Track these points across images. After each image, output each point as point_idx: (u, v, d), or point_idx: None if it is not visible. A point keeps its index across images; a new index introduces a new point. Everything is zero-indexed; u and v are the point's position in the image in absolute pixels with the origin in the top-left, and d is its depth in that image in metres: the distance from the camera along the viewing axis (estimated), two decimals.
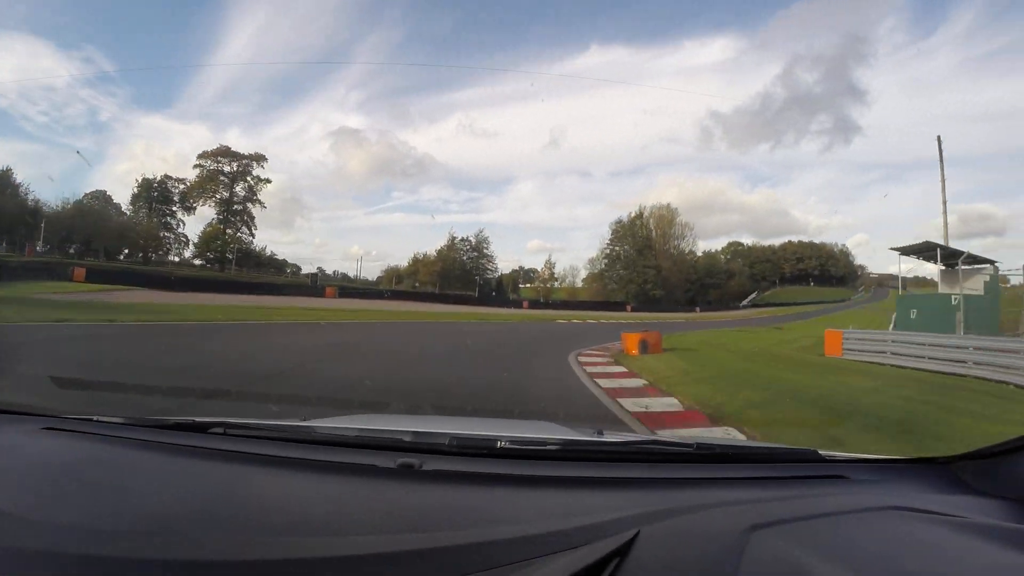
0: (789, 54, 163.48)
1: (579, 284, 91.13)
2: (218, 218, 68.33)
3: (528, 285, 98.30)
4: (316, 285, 56.62)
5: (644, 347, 13.78)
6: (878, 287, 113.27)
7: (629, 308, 68.43)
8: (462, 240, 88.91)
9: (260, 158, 68.77)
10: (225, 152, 67.22)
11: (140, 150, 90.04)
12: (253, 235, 71.37)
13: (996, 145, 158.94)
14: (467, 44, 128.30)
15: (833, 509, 1.10)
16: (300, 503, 1.13)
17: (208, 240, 67.73)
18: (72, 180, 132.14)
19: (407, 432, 1.47)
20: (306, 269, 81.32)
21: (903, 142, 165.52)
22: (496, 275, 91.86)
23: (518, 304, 62.48)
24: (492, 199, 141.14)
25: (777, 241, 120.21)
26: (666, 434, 2.18)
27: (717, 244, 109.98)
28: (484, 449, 1.40)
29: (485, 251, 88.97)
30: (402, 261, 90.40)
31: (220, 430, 1.51)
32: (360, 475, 1.25)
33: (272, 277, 65.05)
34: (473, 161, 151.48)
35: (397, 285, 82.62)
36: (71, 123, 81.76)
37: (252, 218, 70.42)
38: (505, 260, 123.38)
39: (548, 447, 1.43)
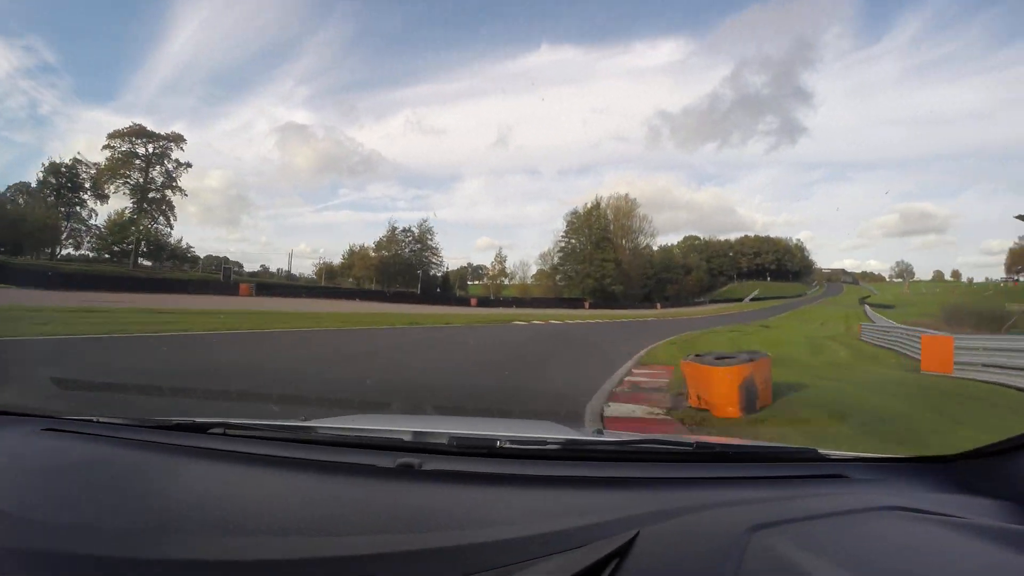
0: (738, 57, 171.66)
1: (530, 280, 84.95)
2: (133, 206, 58.45)
3: (477, 282, 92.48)
4: (229, 281, 47.62)
5: (749, 398, 5.68)
6: (828, 282, 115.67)
7: (587, 305, 62.60)
8: (404, 231, 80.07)
9: (178, 139, 58.85)
10: (139, 132, 56.88)
11: (82, 145, 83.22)
12: (171, 226, 61.38)
13: (937, 147, 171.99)
14: (417, 41, 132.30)
15: (833, 509, 1.10)
16: (300, 503, 1.13)
17: (114, 231, 57.55)
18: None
19: (407, 432, 1.47)
20: (249, 268, 73.46)
21: (847, 143, 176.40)
22: (442, 270, 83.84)
23: (465, 302, 55.76)
24: (440, 197, 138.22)
25: (725, 238, 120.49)
26: (666, 434, 1.81)
27: (665, 241, 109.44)
28: (484, 449, 1.39)
29: (429, 243, 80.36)
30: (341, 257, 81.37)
31: (220, 430, 1.51)
32: (360, 475, 1.24)
33: (180, 273, 55.14)
34: (421, 158, 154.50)
35: (330, 282, 73.53)
36: (11, 116, 72.37)
37: (172, 207, 60.49)
38: (453, 258, 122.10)
39: (548, 447, 1.42)
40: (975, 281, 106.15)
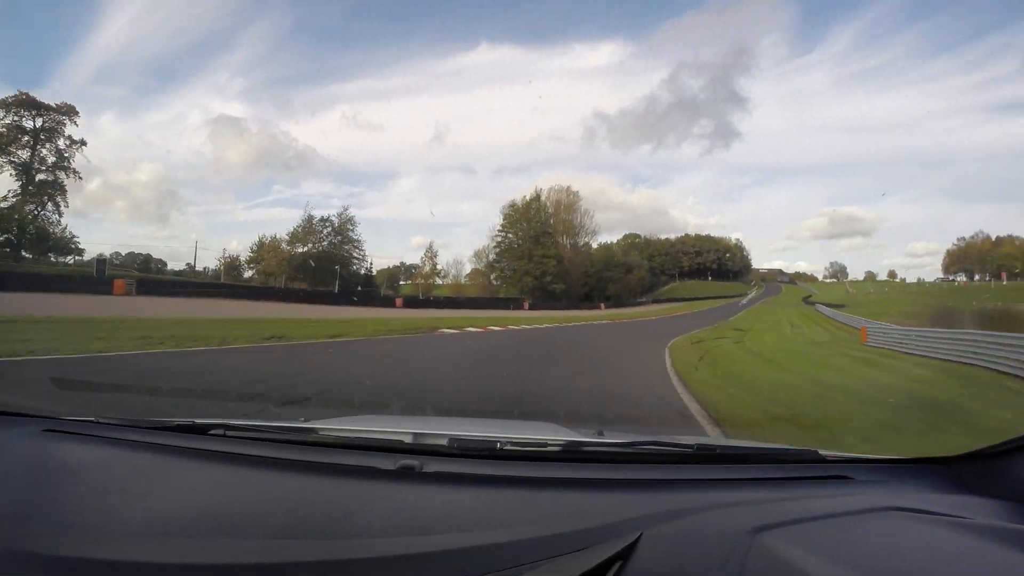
0: (676, 60, 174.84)
1: (464, 280, 78.05)
2: (19, 189, 46.59)
3: (410, 282, 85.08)
4: (102, 277, 37.49)
5: None
6: (765, 282, 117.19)
7: (527, 305, 56.56)
8: (322, 221, 70.51)
9: (71, 111, 47.35)
10: (25, 101, 45.22)
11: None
12: (61, 213, 49.57)
13: (865, 154, 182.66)
14: (355, 35, 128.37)
15: (835, 510, 1.10)
16: (300, 505, 1.11)
17: None
18: None
19: (407, 433, 1.47)
20: (173, 266, 64.84)
21: (779, 148, 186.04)
22: (366, 266, 74.99)
23: (390, 302, 48.04)
24: (374, 194, 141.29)
25: (665, 237, 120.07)
26: (668, 435, 1.61)
27: (601, 241, 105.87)
28: (485, 451, 1.39)
29: (351, 235, 71.29)
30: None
31: (220, 432, 1.50)
32: (360, 477, 1.24)
33: (46, 267, 43.70)
34: (356, 155, 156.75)
35: (232, 278, 63.42)
36: None
37: (64, 192, 48.91)
38: (386, 257, 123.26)
39: (549, 448, 1.43)
40: (907, 281, 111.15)
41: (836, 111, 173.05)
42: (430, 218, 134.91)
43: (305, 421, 1.66)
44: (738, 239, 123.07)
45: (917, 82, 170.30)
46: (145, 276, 47.80)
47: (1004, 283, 76.68)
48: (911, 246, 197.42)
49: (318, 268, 65.74)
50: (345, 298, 47.78)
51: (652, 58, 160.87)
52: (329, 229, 70.04)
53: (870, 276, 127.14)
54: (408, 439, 1.44)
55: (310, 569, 0.83)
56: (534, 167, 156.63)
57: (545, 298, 67.53)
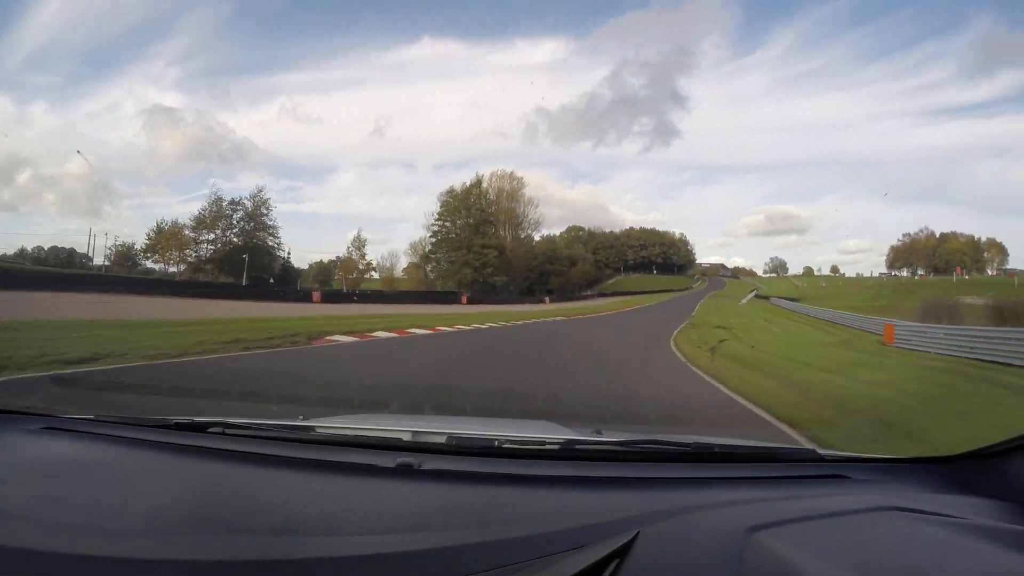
0: (618, 58, 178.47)
1: (401, 274, 71.63)
2: None
3: (341, 275, 77.89)
4: None
5: None
6: (704, 276, 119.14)
7: (464, 299, 51.24)
8: (232, 204, 61.88)
9: None
10: None
11: None
12: None
13: (801, 154, 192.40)
14: (295, 25, 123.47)
15: (833, 509, 1.10)
16: (299, 502, 1.12)
17: None
18: None
19: (406, 431, 1.48)
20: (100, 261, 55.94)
21: (718, 147, 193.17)
22: (282, 255, 66.77)
23: (307, 297, 41.33)
24: (313, 189, 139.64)
25: (610, 230, 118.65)
26: (666, 433, 1.60)
27: (543, 234, 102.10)
28: (483, 448, 1.39)
29: (265, 220, 63.17)
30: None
31: (219, 430, 1.50)
32: (359, 474, 1.24)
33: None
34: (295, 148, 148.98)
35: (124, 268, 54.26)
36: None
37: None
38: (323, 252, 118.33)
39: (547, 447, 1.43)
40: (847, 276, 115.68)
41: (774, 112, 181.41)
42: (368, 213, 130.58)
43: (304, 419, 1.64)
44: (682, 234, 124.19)
45: (853, 86, 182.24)
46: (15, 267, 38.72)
47: (958, 278, 78.13)
48: (844, 243, 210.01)
49: (229, 257, 57.43)
50: (254, 292, 40.78)
51: (594, 56, 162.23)
52: (240, 214, 61.60)
53: (808, 271, 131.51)
54: (406, 437, 1.44)
55: (309, 566, 0.83)
56: (475, 162, 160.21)
57: (485, 292, 62.47)
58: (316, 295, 41.44)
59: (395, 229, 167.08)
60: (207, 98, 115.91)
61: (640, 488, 1.23)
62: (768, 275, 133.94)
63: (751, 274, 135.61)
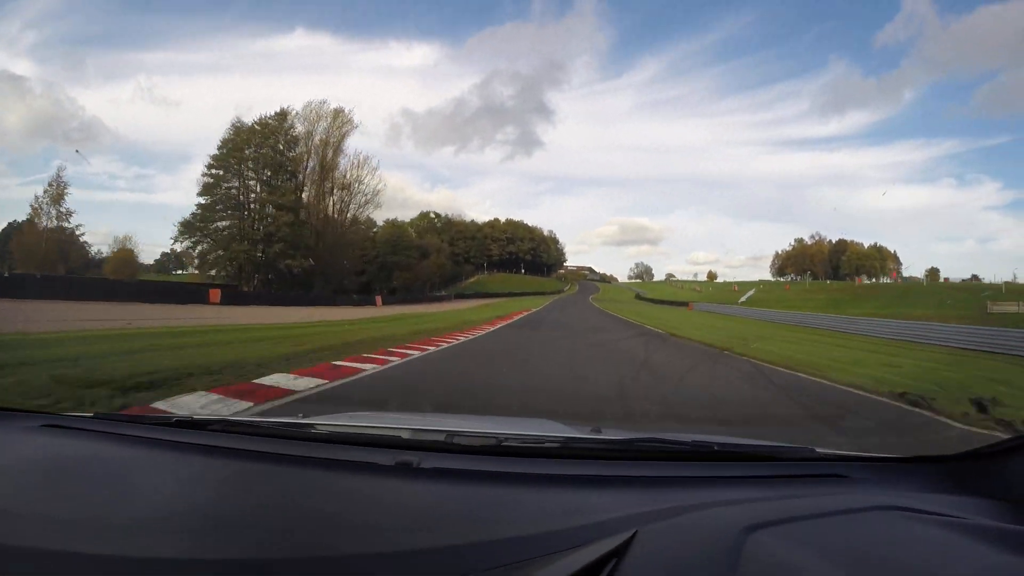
0: (490, 68, 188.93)
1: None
2: None
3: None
4: None
5: None
6: (569, 279, 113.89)
7: (214, 297, 28.05)
8: None
9: None
10: None
11: None
12: None
13: (657, 172, 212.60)
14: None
15: (831, 508, 1.10)
16: (298, 500, 1.12)
17: None
18: None
19: (405, 429, 1.47)
20: None
21: (579, 160, 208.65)
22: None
23: None
24: (166, 178, 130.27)
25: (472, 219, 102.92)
26: (665, 432, 1.57)
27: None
28: (482, 447, 1.39)
29: None
30: None
31: (219, 427, 1.51)
32: (358, 472, 1.24)
33: None
34: (149, 132, 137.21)
35: None
36: None
37: None
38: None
39: (547, 445, 1.42)
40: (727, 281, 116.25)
41: (634, 132, 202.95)
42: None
43: (303, 417, 1.63)
44: (551, 231, 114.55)
45: (710, 115, 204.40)
46: None
47: (859, 284, 73.92)
48: (693, 254, 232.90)
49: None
50: None
51: (467, 63, 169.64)
52: None
53: (669, 276, 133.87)
54: (406, 435, 1.43)
55: (307, 564, 0.83)
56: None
57: (283, 285, 39.24)
58: None
59: None
60: (59, 69, 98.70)
61: (638, 487, 1.21)
62: (634, 280, 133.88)
63: (612, 279, 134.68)
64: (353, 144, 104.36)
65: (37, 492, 1.12)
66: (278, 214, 41.27)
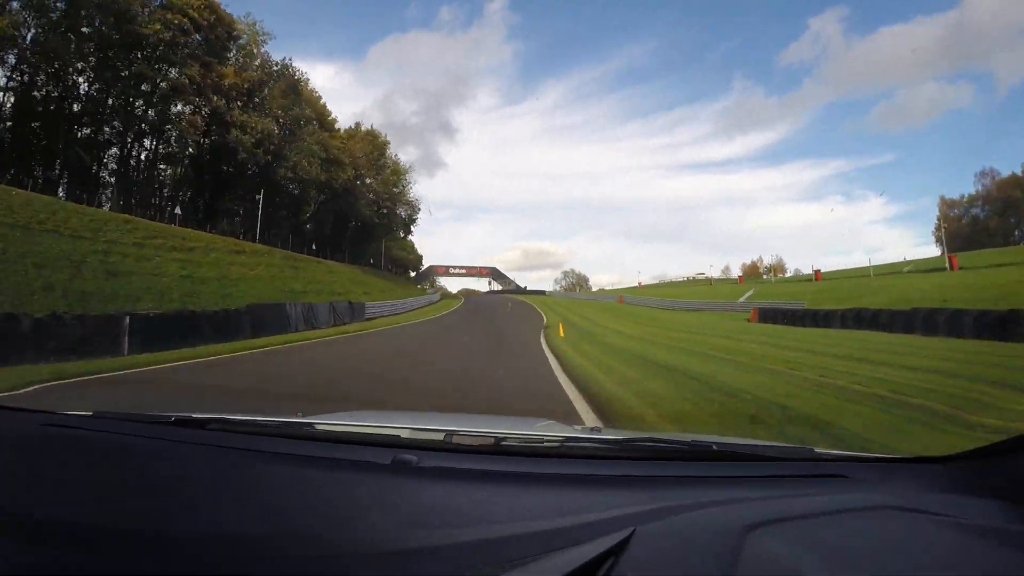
0: (392, 80, 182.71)
1: None
2: None
3: None
4: None
5: None
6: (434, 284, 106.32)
7: None
8: None
9: None
10: None
11: None
12: None
13: (559, 196, 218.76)
14: None
15: (830, 508, 1.10)
16: (297, 499, 1.13)
17: None
18: None
19: (403, 428, 1.49)
20: None
21: (481, 186, 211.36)
22: None
23: None
24: None
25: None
26: (664, 432, 2.07)
27: None
28: (481, 446, 1.39)
29: None
30: None
31: (218, 426, 1.51)
32: (356, 471, 1.24)
33: None
34: None
35: None
36: None
37: None
38: None
39: (545, 444, 1.43)
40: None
41: (535, 157, 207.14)
42: None
43: (302, 415, 1.63)
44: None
45: (609, 140, 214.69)
46: None
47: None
48: (596, 277, 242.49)
49: None
50: None
51: (369, 71, 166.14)
52: None
53: (600, 290, 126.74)
54: (404, 434, 1.44)
55: (305, 563, 0.83)
56: None
57: None
58: None
59: None
60: None
61: (637, 486, 1.21)
62: (567, 291, 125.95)
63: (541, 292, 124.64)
64: None
65: (38, 491, 1.11)
66: None
